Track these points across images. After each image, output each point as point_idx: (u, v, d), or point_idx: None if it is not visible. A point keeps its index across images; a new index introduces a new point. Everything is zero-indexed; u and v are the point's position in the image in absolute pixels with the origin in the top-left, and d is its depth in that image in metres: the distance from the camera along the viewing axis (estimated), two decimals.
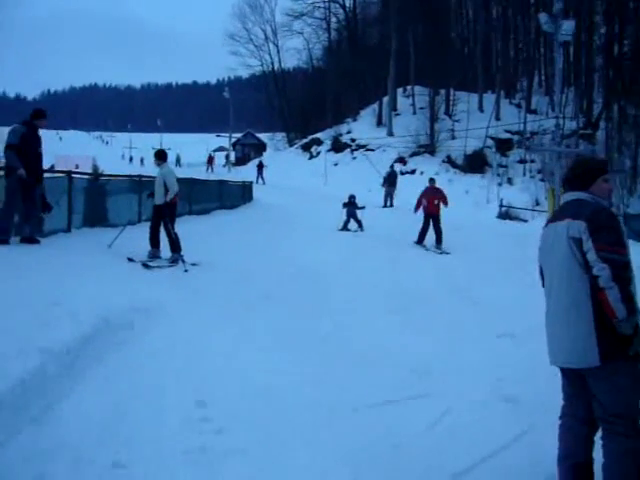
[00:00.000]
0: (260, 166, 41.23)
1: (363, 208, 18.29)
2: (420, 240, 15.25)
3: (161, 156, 10.83)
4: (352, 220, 18.03)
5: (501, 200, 32.27)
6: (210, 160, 50.20)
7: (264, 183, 37.50)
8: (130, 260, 9.74)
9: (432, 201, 15.49)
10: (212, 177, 28.46)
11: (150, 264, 9.80)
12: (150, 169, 17.18)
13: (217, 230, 15.12)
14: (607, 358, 3.24)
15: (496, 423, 4.76)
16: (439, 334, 7.44)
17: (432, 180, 16.96)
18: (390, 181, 27.23)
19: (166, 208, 10.38)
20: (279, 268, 10.98)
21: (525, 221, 30.83)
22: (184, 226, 11.71)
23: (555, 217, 3.68)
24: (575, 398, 3.53)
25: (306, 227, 17.25)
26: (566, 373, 3.57)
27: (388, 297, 9.51)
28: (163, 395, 4.89)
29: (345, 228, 17.72)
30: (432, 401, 5.23)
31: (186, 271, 9.69)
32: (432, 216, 15.39)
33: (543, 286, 3.73)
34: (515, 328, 7.60)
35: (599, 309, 3.27)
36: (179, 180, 11.17)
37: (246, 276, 10.00)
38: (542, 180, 37.63)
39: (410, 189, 32.04)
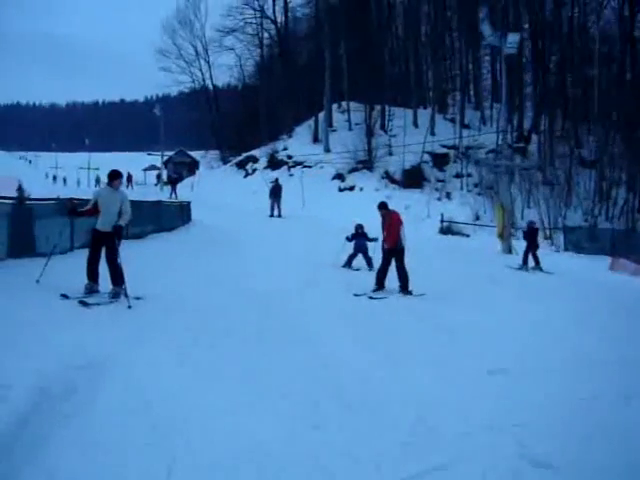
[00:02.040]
0: (173, 182, 41.19)
1: (375, 240, 14.18)
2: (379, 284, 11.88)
3: (116, 176, 9.57)
4: (360, 255, 14.97)
5: (442, 215, 32.26)
6: (129, 178, 49.10)
7: (177, 197, 37.20)
8: (64, 297, 8.58)
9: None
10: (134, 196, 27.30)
11: (88, 301, 8.62)
12: (73, 189, 15.97)
13: (157, 256, 13.93)
14: None
15: None
16: (426, 375, 6.65)
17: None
18: (275, 193, 29.35)
19: (115, 235, 9.31)
20: (233, 298, 10.06)
21: (467, 236, 30.88)
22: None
23: None
24: None
25: (254, 250, 16.38)
26: None
27: (356, 326, 8.88)
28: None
29: (349, 265, 14.60)
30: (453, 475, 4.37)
31: (130, 307, 8.61)
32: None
33: None
34: (504, 361, 7.03)
35: None
36: None
37: (198, 309, 9.02)
38: (479, 194, 38.00)
39: (349, 206, 31.85)
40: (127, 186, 45.25)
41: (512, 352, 7.66)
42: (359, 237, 15.11)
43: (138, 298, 9.05)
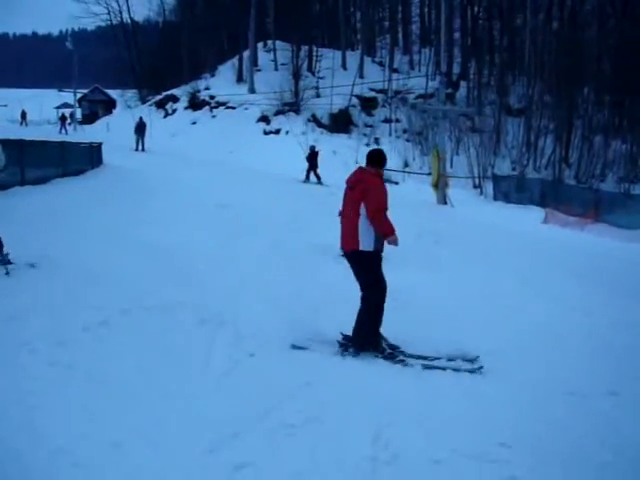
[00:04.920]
0: (63, 118, 41.55)
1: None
2: None
3: None
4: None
5: None
6: (63, 119, 44.18)
7: (67, 133, 37.08)
8: None
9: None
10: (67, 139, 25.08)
11: None
12: None
13: (61, 206, 12.04)
14: None
15: None
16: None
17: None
18: (140, 129, 30.37)
19: None
20: (146, 261, 8.52)
21: (396, 183, 30.13)
22: (12, 201, 9.14)
23: None
24: None
25: (171, 199, 14.58)
26: None
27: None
28: None
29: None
30: None
31: (7, 274, 7.05)
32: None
33: None
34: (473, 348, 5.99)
35: None
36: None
37: (105, 277, 7.45)
38: (408, 140, 37.28)
39: (275, 151, 30.49)
40: (60, 129, 41.50)
41: (467, 329, 6.74)
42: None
43: (32, 265, 7.50)
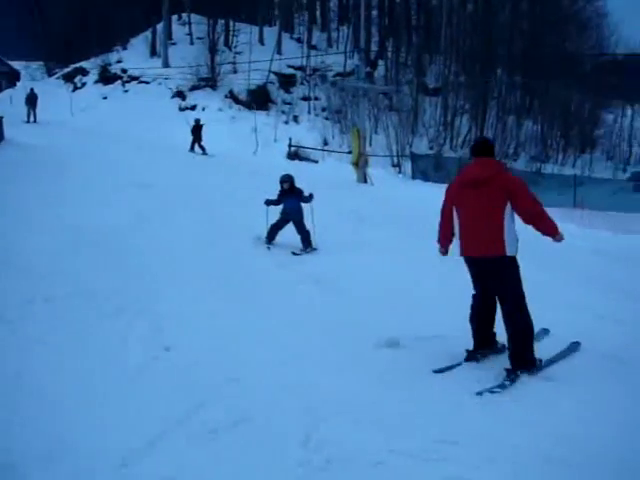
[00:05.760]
0: None
1: (309, 200, 9.59)
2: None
3: None
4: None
5: (290, 139, 30.85)
6: None
7: None
8: None
9: None
10: None
11: None
12: None
13: None
14: None
15: None
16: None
17: None
18: (30, 101, 29.89)
19: None
20: (59, 244, 7.95)
21: (316, 162, 29.82)
22: None
23: None
24: None
25: (82, 177, 13.65)
26: None
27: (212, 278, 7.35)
28: None
29: (270, 239, 9.64)
30: None
31: None
32: None
33: None
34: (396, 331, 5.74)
35: None
36: None
37: (15, 262, 6.97)
38: (327, 119, 37.02)
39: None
40: None
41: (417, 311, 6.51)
42: (288, 197, 9.78)
43: None
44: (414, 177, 28.04)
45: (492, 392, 4.56)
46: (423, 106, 37.32)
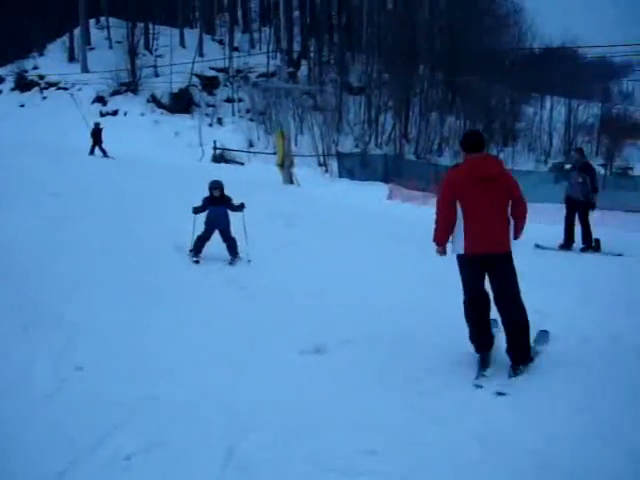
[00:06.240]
0: None
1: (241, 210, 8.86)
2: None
3: None
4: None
5: (214, 142, 30.52)
6: None
7: None
8: None
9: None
10: None
11: None
12: None
13: None
14: None
15: None
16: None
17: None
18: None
19: None
20: None
21: (242, 164, 29.60)
22: None
23: None
24: None
25: None
26: None
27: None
28: None
29: (196, 252, 8.86)
30: None
31: None
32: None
33: None
34: (322, 337, 5.67)
35: None
36: None
37: None
38: (252, 120, 36.79)
39: (113, 133, 28.89)
40: None
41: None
42: (215, 205, 9.08)
43: None
44: (341, 176, 28.08)
45: (500, 394, 4.57)
46: (347, 104, 37.51)
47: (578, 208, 11.32)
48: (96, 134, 24.37)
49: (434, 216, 5.19)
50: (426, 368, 5.03)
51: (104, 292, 6.71)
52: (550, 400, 4.39)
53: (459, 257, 5.07)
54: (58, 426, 3.91)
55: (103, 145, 24.20)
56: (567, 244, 11.53)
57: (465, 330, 5.17)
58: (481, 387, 4.69)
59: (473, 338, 5.14)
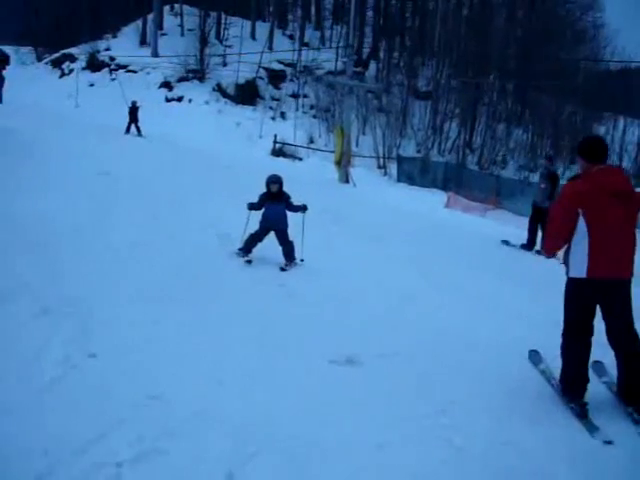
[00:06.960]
0: None
1: (303, 210, 7.97)
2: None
3: None
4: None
5: (275, 136, 30.35)
6: None
7: None
8: None
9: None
10: None
11: None
12: None
13: None
14: None
15: None
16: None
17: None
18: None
19: None
20: None
21: (300, 159, 29.36)
22: None
23: None
24: None
25: (47, 166, 12.84)
26: None
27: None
28: None
29: (246, 251, 8.01)
30: None
31: None
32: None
33: None
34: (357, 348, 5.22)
35: None
36: None
37: None
38: (315, 117, 36.56)
39: (177, 119, 29.07)
40: None
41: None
42: (272, 202, 8.01)
43: None
44: (399, 180, 27.63)
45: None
46: (413, 109, 36.91)
47: (540, 212, 11.68)
48: (133, 112, 24.67)
49: (548, 225, 4.75)
50: (452, 400, 4.52)
51: (124, 282, 6.35)
52: None
53: (574, 281, 4.41)
54: (52, 419, 3.57)
55: (139, 123, 24.56)
56: (529, 246, 12.08)
57: (515, 364, 4.68)
58: (611, 443, 4.02)
59: (570, 381, 4.43)
